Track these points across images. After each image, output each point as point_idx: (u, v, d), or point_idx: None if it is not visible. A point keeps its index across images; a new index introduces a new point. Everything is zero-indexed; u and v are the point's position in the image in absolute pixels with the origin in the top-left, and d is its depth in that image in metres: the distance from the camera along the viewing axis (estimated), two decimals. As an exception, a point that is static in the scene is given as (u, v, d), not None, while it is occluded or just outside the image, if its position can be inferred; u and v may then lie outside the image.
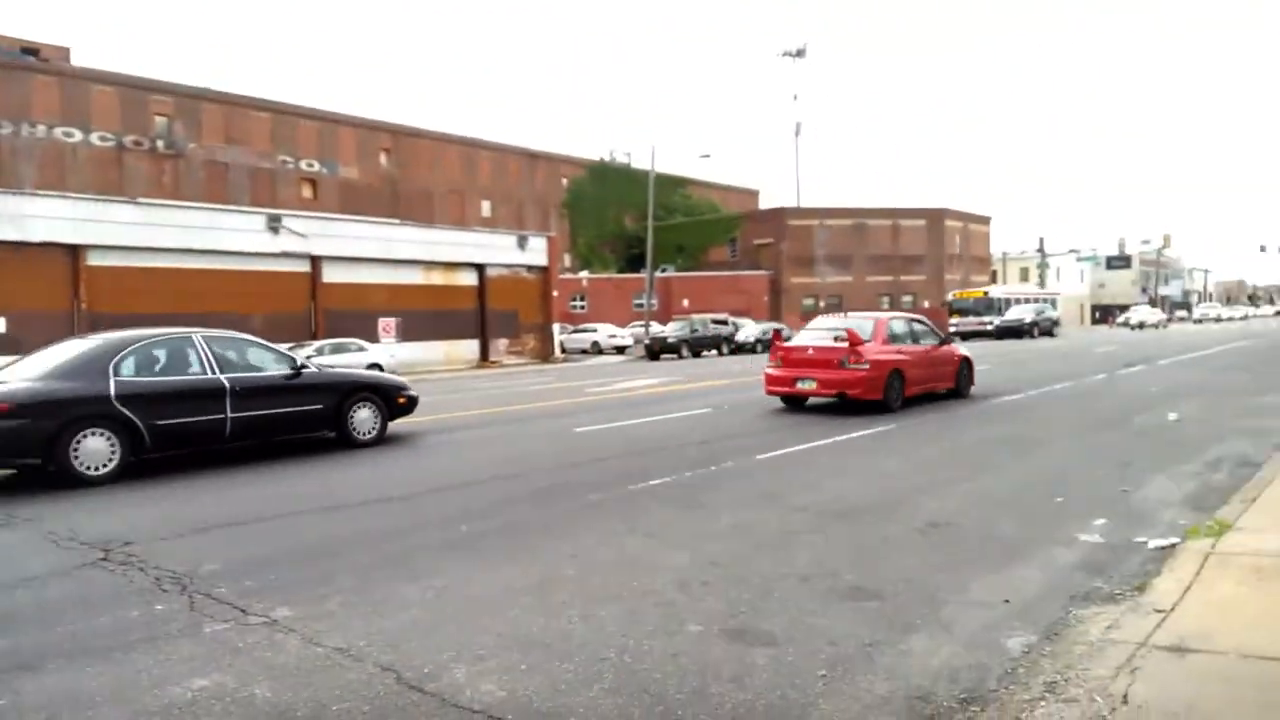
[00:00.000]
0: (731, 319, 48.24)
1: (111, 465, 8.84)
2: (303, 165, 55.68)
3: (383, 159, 60.05)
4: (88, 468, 8.69)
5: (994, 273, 78.73)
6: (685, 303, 56.34)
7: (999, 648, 4.02)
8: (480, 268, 36.02)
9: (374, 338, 30.78)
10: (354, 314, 30.74)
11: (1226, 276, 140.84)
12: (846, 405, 13.25)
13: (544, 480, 8.47)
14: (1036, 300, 55.15)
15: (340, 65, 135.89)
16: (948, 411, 13.23)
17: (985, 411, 13.23)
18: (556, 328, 39.61)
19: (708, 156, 42.69)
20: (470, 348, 35.40)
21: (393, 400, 11.66)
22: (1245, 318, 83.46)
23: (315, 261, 30.46)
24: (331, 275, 30.88)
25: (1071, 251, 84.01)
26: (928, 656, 3.94)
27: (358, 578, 5.33)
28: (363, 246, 31.97)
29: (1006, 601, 4.64)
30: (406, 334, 32.66)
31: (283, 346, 11.85)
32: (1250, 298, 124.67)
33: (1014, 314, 48.34)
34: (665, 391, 18.67)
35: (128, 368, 9.24)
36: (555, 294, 39.87)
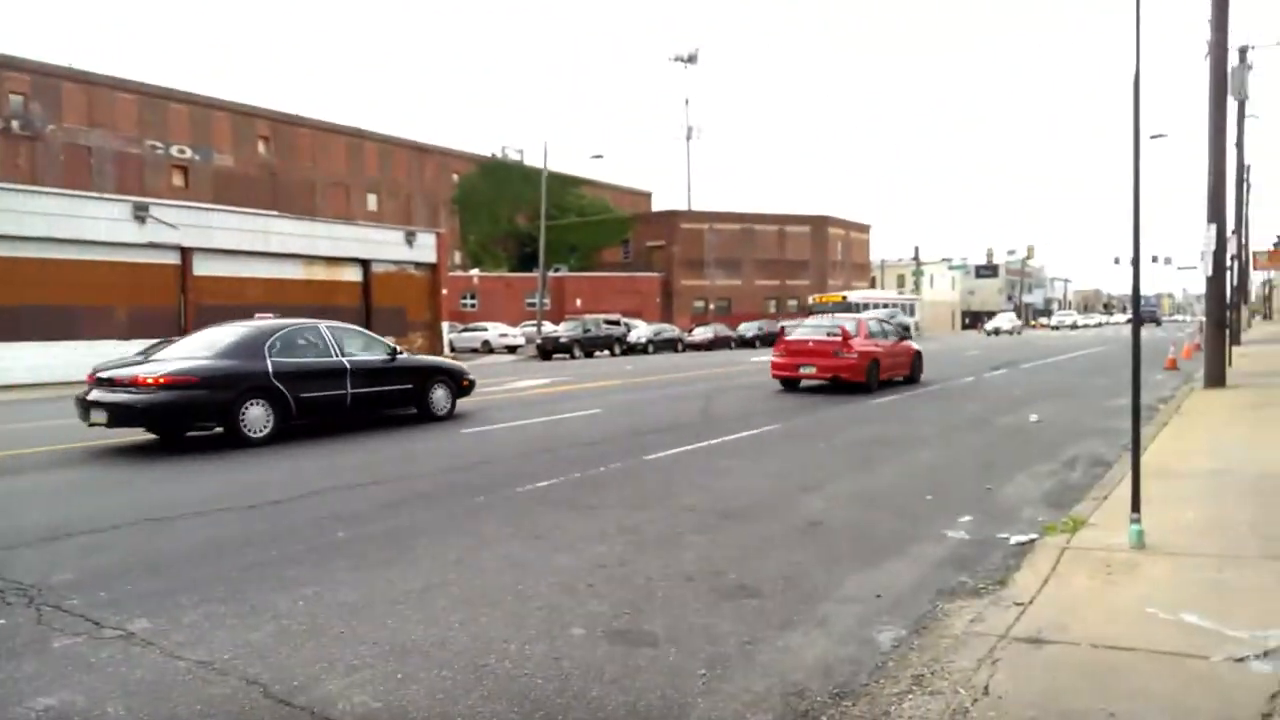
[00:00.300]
0: (624, 319, 48.44)
1: (268, 429, 10.89)
2: (174, 151, 52.62)
3: (261, 147, 57.41)
4: (252, 431, 10.70)
5: (873, 279, 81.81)
6: (578, 302, 56.29)
7: (871, 642, 4.16)
8: (365, 263, 34.96)
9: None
10: (228, 309, 29.05)
11: (1085, 286, 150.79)
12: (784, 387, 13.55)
13: (429, 484, 8.28)
14: (891, 305, 53.99)
15: (218, 51, 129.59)
16: (833, 409, 13.66)
17: (862, 412, 13.72)
18: (446, 326, 38.87)
19: (600, 157, 42.81)
20: (354, 346, 34.30)
21: (459, 381, 13.78)
22: (1100, 325, 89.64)
23: (185, 253, 28.85)
24: (203, 268, 29.33)
25: (944, 260, 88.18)
26: (804, 652, 4.03)
27: (228, 588, 5.07)
28: (238, 238, 30.47)
29: (879, 597, 4.81)
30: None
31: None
32: (1105, 306, 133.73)
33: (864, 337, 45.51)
34: (557, 391, 18.58)
35: (277, 349, 11.22)
36: (445, 292, 39.12)
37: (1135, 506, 5.30)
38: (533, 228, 56.21)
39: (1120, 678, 3.45)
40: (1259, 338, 41.43)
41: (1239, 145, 29.05)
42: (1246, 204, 35.18)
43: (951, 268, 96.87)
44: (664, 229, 66.23)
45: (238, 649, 4.13)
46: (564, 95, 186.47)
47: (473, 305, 54.16)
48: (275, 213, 38.30)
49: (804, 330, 18.08)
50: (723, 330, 50.12)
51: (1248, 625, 3.89)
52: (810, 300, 54.59)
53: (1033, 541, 5.71)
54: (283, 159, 58.03)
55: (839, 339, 16.53)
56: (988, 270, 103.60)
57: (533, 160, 64.89)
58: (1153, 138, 34.62)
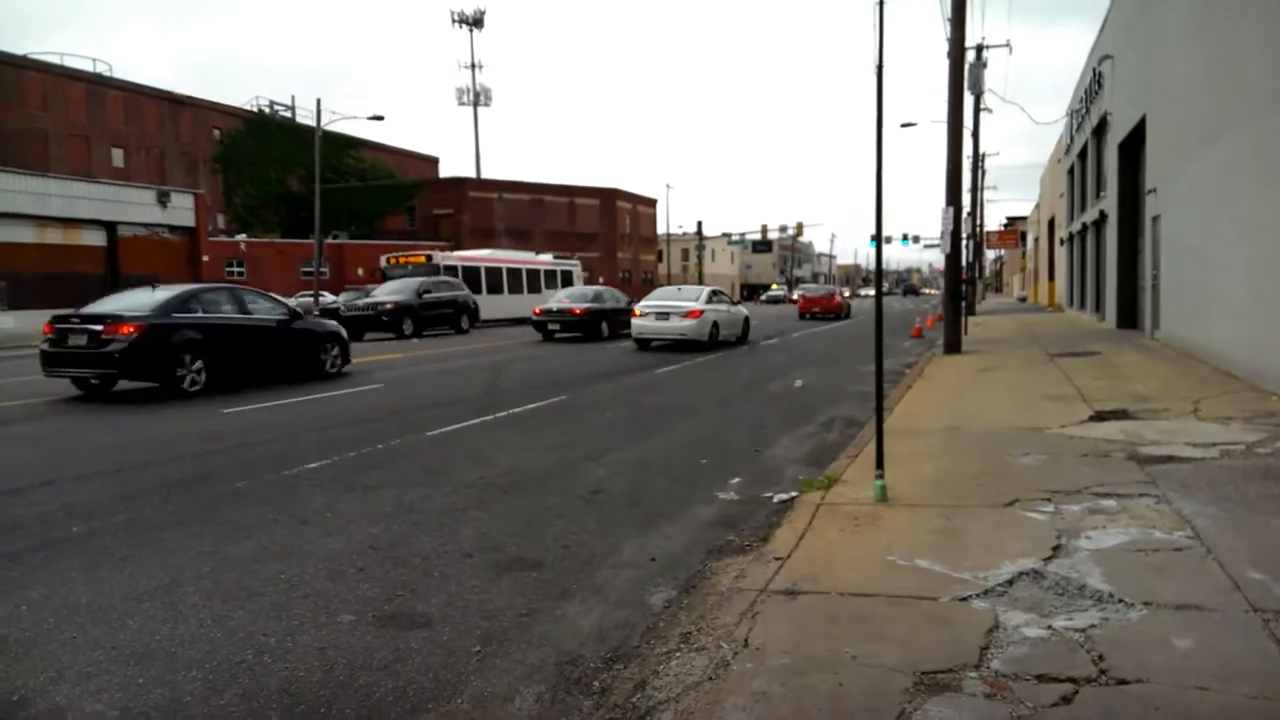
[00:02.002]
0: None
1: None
2: None
3: (-28, 90, 49.87)
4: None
5: (660, 253, 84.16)
6: (359, 271, 53.70)
7: (644, 605, 4.29)
8: (110, 226, 31.50)
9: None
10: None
11: (847, 261, 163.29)
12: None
13: (183, 468, 7.61)
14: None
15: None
16: (622, 379, 13.94)
17: (648, 381, 14.11)
18: (208, 296, 35.81)
19: (380, 118, 40.39)
20: (99, 317, 30.85)
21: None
22: (857, 296, 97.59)
23: None
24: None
25: (724, 235, 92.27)
26: (580, 620, 4.09)
27: (-77, 598, 4.40)
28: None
29: (653, 560, 4.97)
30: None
31: None
32: (864, 280, 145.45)
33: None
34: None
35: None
36: (206, 258, 36.06)
37: (879, 464, 5.81)
38: (307, 190, 52.75)
39: (863, 622, 3.77)
40: (990, 309, 46.79)
41: (975, 135, 32.40)
42: (981, 189, 39.41)
43: (731, 243, 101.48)
44: (452, 197, 64.52)
45: (-63, 668, 3.61)
46: (340, 52, 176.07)
47: (240, 273, 50.20)
48: (-7, 165, 33.50)
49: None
50: (513, 302, 49.62)
51: (971, 568, 4.37)
52: (383, 261, 37.21)
53: (793, 499, 6.11)
54: (2, 105, 50.66)
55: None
56: (763, 246, 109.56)
57: (305, 118, 60.77)
58: (903, 126, 37.89)
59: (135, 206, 32.67)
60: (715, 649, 3.57)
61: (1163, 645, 3.37)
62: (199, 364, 12.79)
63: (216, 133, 62.61)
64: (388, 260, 36.55)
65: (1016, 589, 4.04)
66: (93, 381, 12.82)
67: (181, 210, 34.34)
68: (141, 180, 47.94)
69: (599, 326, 25.07)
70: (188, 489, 6.82)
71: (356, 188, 59.46)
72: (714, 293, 22.13)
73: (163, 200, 33.69)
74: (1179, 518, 5.02)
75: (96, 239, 31.02)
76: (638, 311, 21.06)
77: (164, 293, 13.25)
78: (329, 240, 52.89)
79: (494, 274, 37.20)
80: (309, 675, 3.53)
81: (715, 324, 20.79)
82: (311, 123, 40.14)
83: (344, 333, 16.03)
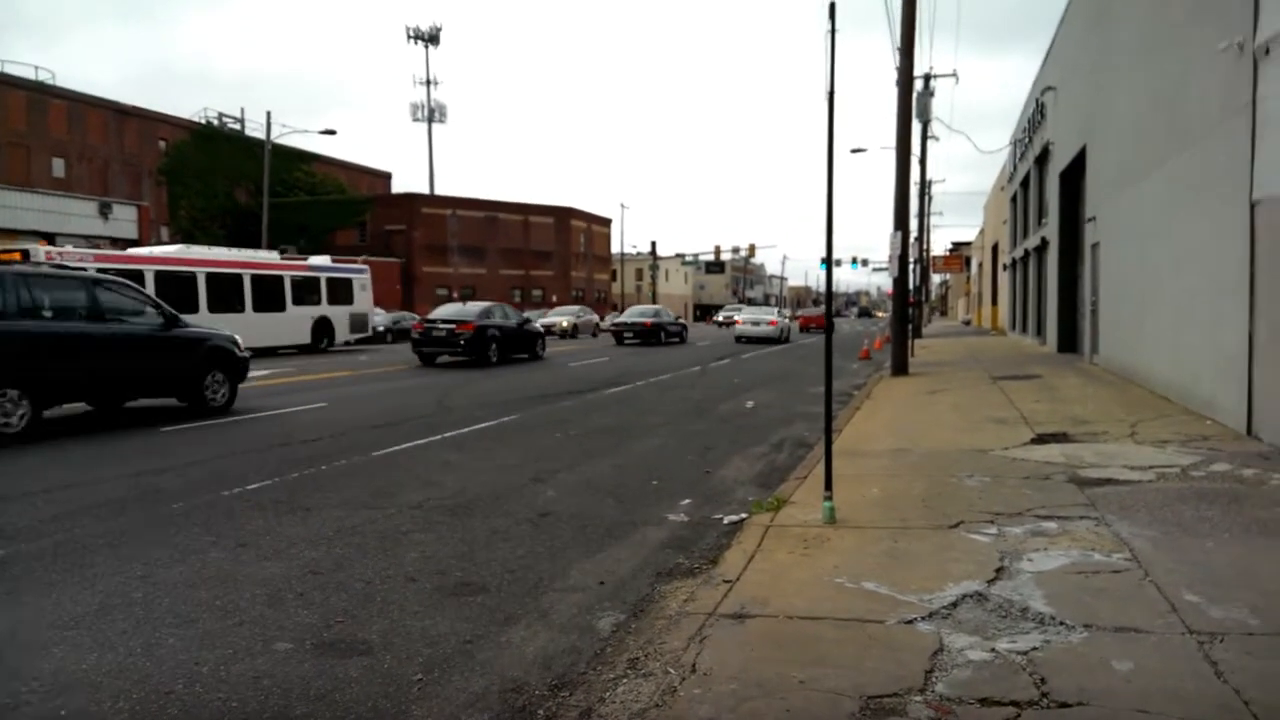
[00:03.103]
0: (358, 306, 46.03)
1: None
2: None
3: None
4: None
5: (614, 272, 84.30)
6: (307, 287, 52.74)
7: (591, 630, 4.24)
8: (49, 237, 30.51)
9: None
10: None
11: (798, 283, 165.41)
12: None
13: (116, 489, 7.35)
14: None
15: None
16: (572, 400, 13.86)
17: (598, 402, 14.06)
18: (150, 310, 34.80)
19: (333, 132, 39.82)
20: (33, 331, 29.85)
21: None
22: (791, 318, 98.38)
23: None
24: None
25: (678, 255, 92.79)
26: (525, 646, 4.02)
27: None
28: None
29: (602, 583, 4.91)
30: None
31: None
32: (814, 302, 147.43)
33: None
34: (278, 383, 17.30)
35: None
36: (148, 272, 35.04)
37: (828, 485, 5.84)
38: (255, 204, 51.77)
39: (810, 646, 3.76)
40: (936, 331, 47.69)
41: (922, 162, 33.13)
42: (928, 214, 40.26)
43: (685, 263, 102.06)
44: (404, 212, 63.90)
45: None
46: (293, 65, 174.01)
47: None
48: (-76, 173, 32.33)
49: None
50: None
51: (916, 590, 4.40)
52: None
53: (743, 521, 6.11)
54: (-65, 110, 49.01)
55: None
56: (716, 267, 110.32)
57: (255, 131, 59.73)
58: (853, 151, 38.58)
59: (76, 218, 31.81)
60: (663, 675, 3.53)
61: (1103, 668, 3.41)
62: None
63: (163, 144, 61.24)
64: None
65: (961, 611, 4.07)
66: None
67: (124, 222, 33.51)
68: (84, 191, 46.66)
69: (486, 348, 22.12)
70: (120, 510, 6.58)
71: (306, 202, 58.54)
72: (779, 311, 39.95)
73: (104, 212, 32.85)
74: (1117, 540, 5.13)
75: (32, 250, 30.06)
76: (740, 320, 36.67)
77: None
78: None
79: (175, 283, 23.01)
80: (243, 706, 3.41)
81: (785, 328, 36.36)
82: (261, 136, 39.49)
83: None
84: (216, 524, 6.16)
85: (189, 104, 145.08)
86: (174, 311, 12.59)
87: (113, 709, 3.38)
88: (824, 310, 23.21)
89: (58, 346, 10.47)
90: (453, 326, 21.74)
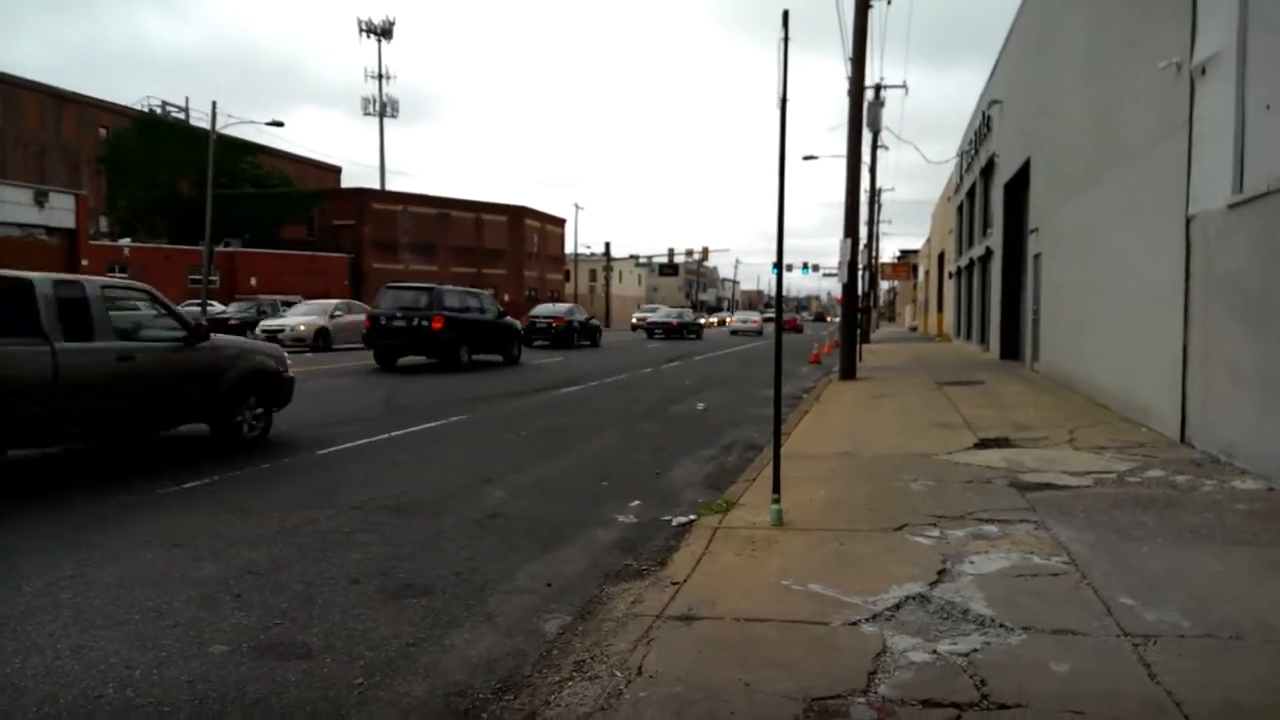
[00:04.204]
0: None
1: None
2: None
3: None
4: None
5: (567, 272, 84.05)
6: (253, 281, 51.70)
7: (537, 632, 4.19)
8: (-22, 224, 29.45)
9: None
10: None
11: (750, 287, 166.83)
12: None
13: (42, 487, 7.08)
14: None
15: None
16: (526, 399, 13.75)
17: (552, 400, 13.98)
18: (86, 302, 33.73)
19: (280, 124, 38.89)
20: (-40, 322, 28.73)
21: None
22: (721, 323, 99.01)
23: None
24: None
25: (632, 257, 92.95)
26: (469, 649, 3.96)
27: None
28: None
29: (549, 585, 4.87)
30: None
31: None
32: (766, 305, 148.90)
33: None
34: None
35: None
36: (86, 263, 34.09)
37: (776, 488, 5.88)
38: (199, 196, 50.50)
39: (756, 648, 3.77)
40: (884, 337, 48.46)
41: (872, 171, 33.66)
42: (878, 222, 40.90)
43: (638, 265, 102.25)
44: (354, 208, 62.85)
45: None
46: (242, 55, 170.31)
47: (123, 279, 47.66)
48: None
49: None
50: (415, 317, 48.67)
51: (861, 592, 4.44)
52: None
53: (691, 522, 6.12)
54: None
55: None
56: (669, 269, 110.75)
57: (201, 122, 58.27)
58: (805, 159, 39.02)
59: (9, 205, 30.71)
60: (609, 677, 3.50)
61: (1041, 670, 3.48)
62: None
63: (103, 132, 59.46)
64: None
65: (904, 613, 4.12)
66: None
67: (61, 211, 32.45)
68: (18, 179, 45.04)
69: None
70: (46, 509, 6.35)
71: (252, 195, 57.30)
72: (760, 311, 55.13)
73: (40, 200, 31.75)
74: (1056, 544, 5.24)
75: (-39, 238, 28.98)
76: (732, 319, 41.93)
77: None
78: (220, 248, 50.76)
79: None
80: (176, 710, 3.30)
81: (763, 326, 48.69)
82: (206, 126, 38.53)
83: None
84: (150, 524, 5.97)
85: (130, 92, 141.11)
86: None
87: (38, 714, 3.25)
88: (804, 314, 25.26)
89: None
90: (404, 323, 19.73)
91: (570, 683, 3.51)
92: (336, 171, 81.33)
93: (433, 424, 11.06)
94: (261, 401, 9.27)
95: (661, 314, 45.82)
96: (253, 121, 42.06)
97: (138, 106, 60.78)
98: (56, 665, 3.69)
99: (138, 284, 8.78)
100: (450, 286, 22.35)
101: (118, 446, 8.74)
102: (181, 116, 59.51)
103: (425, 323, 19.42)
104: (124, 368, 7.54)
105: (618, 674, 3.53)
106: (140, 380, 7.74)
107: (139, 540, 5.56)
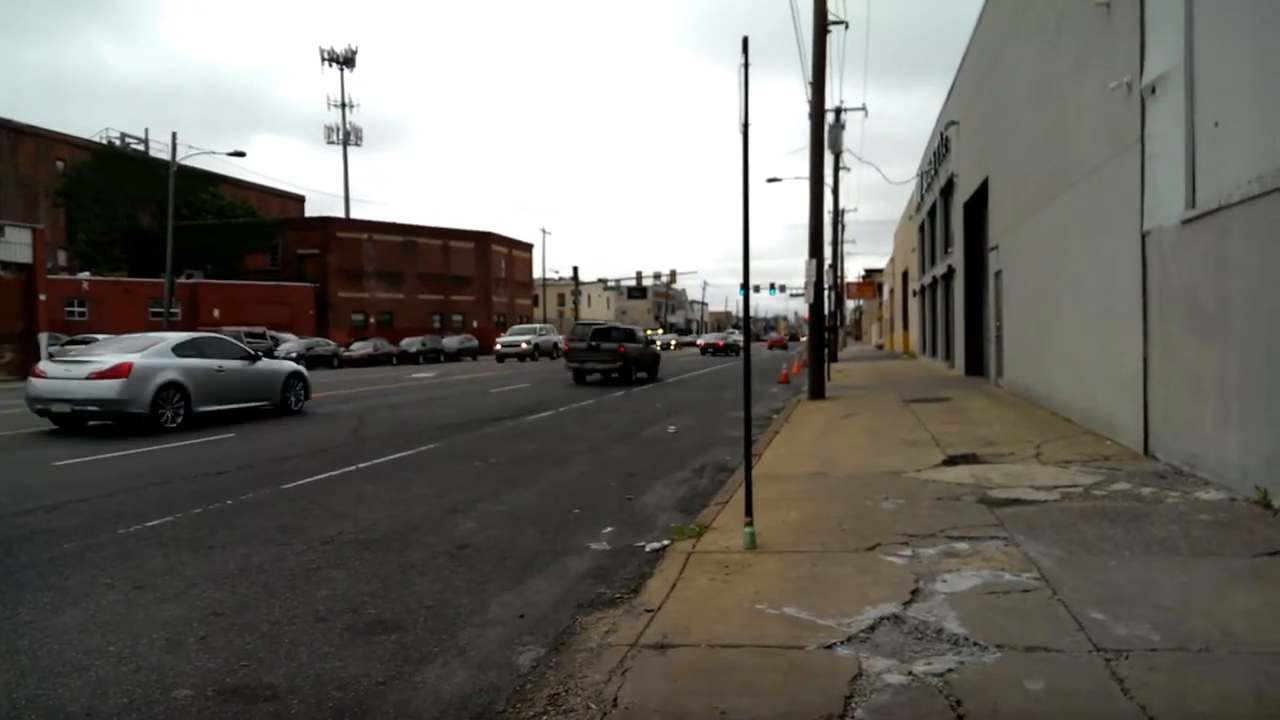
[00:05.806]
0: (271, 333, 44.81)
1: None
2: None
3: None
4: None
5: (536, 297, 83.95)
6: (216, 313, 51.05)
7: (511, 665, 4.13)
8: (-70, 260, 28.78)
9: None
10: None
11: (718, 308, 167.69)
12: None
13: None
14: None
15: None
16: (492, 428, 13.65)
17: (519, 429, 13.89)
18: (44, 338, 33.05)
19: (242, 154, 38.46)
20: (-88, 360, 28.00)
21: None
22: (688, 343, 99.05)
23: None
24: None
25: (600, 280, 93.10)
26: (441, 686, 3.89)
27: None
28: None
29: (521, 617, 4.81)
30: None
31: None
32: (734, 326, 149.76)
33: None
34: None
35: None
36: (43, 297, 33.36)
37: (748, 511, 5.87)
38: (159, 227, 49.80)
39: (732, 675, 3.74)
40: (851, 355, 48.86)
41: (835, 192, 34.07)
42: (841, 242, 41.38)
43: (607, 288, 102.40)
44: (318, 236, 62.43)
45: None
46: (203, 86, 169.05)
47: (82, 314, 46.81)
48: None
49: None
50: (384, 345, 48.38)
51: (835, 614, 4.43)
52: None
53: (665, 548, 6.08)
54: None
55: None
56: (638, 292, 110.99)
57: (161, 153, 57.54)
58: (769, 181, 39.39)
59: (-39, 239, 30.04)
60: (583, 710, 3.45)
61: (1015, 688, 3.48)
62: None
63: (60, 164, 58.56)
64: None
65: (878, 635, 4.11)
66: None
67: (17, 245, 31.76)
68: (-30, 211, 44.15)
69: None
70: (5, 551, 6.17)
71: (213, 225, 56.59)
72: (731, 333, 60.92)
73: (-7, 233, 31.09)
74: (1026, 560, 5.28)
75: (-88, 274, 28.29)
76: (701, 342, 55.10)
77: None
78: (182, 280, 50.10)
79: None
80: (135, 762, 3.20)
81: (734, 344, 47.22)
82: (166, 157, 38.10)
83: None
84: (111, 565, 5.82)
85: (89, 124, 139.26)
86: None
87: (-11, 771, 3.13)
88: (772, 334, 26.77)
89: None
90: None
91: (544, 717, 3.46)
92: (300, 200, 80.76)
93: (400, 455, 10.92)
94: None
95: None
96: (214, 152, 41.72)
97: (96, 138, 59.97)
98: (11, 715, 3.56)
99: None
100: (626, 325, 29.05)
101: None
102: (141, 148, 58.69)
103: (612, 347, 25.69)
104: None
105: (593, 706, 3.48)
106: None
107: (99, 582, 5.41)
